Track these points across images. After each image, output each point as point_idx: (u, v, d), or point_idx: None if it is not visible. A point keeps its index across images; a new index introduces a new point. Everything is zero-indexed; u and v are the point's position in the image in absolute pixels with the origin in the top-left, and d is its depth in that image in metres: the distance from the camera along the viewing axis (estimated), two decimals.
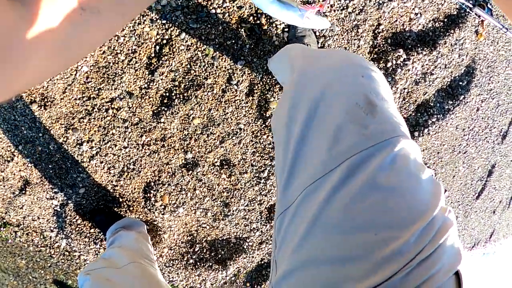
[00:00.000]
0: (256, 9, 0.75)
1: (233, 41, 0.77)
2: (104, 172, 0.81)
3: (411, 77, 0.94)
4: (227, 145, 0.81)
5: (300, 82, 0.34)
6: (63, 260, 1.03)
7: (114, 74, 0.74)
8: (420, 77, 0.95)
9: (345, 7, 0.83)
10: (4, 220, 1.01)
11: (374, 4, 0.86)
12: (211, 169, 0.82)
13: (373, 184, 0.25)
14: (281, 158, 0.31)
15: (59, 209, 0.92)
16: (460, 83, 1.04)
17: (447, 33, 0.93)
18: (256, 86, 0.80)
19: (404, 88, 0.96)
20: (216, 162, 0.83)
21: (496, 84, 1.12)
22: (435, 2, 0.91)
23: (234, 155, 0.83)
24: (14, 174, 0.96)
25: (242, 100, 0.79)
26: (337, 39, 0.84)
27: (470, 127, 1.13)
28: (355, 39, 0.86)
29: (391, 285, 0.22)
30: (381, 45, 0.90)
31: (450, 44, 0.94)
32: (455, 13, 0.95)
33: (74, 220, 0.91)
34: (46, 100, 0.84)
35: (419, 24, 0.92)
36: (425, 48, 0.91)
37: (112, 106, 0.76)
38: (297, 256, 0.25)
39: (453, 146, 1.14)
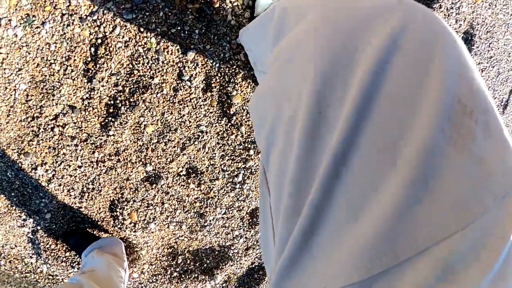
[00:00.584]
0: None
1: (179, 28, 0.67)
2: (64, 195, 0.78)
3: None
4: (190, 152, 0.76)
5: (327, 34, 0.17)
6: (49, 284, 1.05)
7: (52, 87, 0.69)
8: None
9: None
10: None
11: None
12: (176, 180, 0.77)
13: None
14: (284, 200, 0.16)
15: (31, 236, 0.92)
16: None
17: None
18: (214, 79, 0.71)
19: None
20: (181, 171, 0.77)
21: (496, 51, 1.00)
22: None
23: (200, 161, 0.77)
24: None
25: (199, 97, 0.70)
26: None
27: None
28: None
29: None
30: None
31: (446, 8, 0.83)
32: None
33: (48, 246, 0.90)
34: None
35: None
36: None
37: (57, 123, 0.72)
38: None
39: None
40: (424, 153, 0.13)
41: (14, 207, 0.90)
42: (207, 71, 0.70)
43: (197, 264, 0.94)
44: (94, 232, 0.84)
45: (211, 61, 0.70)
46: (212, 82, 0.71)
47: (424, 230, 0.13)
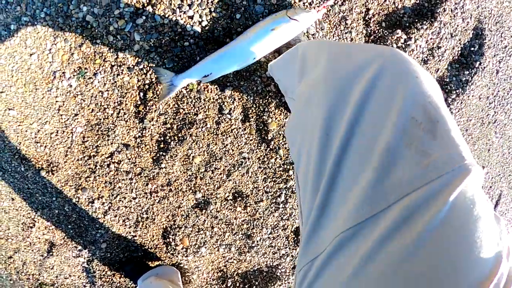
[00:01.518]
0: (231, 29, 0.79)
1: None
2: (120, 225, 0.93)
3: (417, 57, 0.91)
4: (235, 177, 0.87)
5: (331, 81, 0.29)
6: None
7: (107, 129, 0.84)
8: (427, 54, 0.92)
9: (332, 2, 0.83)
10: (39, 281, 1.21)
11: None
12: (224, 204, 0.89)
13: (429, 239, 0.21)
14: (308, 188, 0.27)
15: (86, 265, 1.09)
16: (472, 48, 0.97)
17: None
18: (250, 110, 0.83)
19: None
20: (228, 196, 0.89)
21: (509, 40, 1.03)
22: None
23: (245, 185, 0.89)
24: (39, 238, 1.15)
25: (239, 127, 0.83)
26: (329, 37, 0.84)
27: (494, 93, 1.07)
28: (346, 33, 0.85)
29: None
30: (376, 31, 0.87)
31: (450, 10, 0.89)
32: None
33: (104, 273, 1.06)
34: (52, 165, 0.98)
35: None
36: (425, 22, 0.88)
37: (113, 160, 0.86)
38: None
39: (481, 119, 1.08)
40: (387, 151, 0.23)
41: (70, 239, 1.07)
42: (243, 104, 0.82)
43: (246, 287, 1.06)
44: (148, 259, 0.99)
45: (246, 95, 0.82)
46: (249, 113, 0.83)
47: (389, 194, 0.23)
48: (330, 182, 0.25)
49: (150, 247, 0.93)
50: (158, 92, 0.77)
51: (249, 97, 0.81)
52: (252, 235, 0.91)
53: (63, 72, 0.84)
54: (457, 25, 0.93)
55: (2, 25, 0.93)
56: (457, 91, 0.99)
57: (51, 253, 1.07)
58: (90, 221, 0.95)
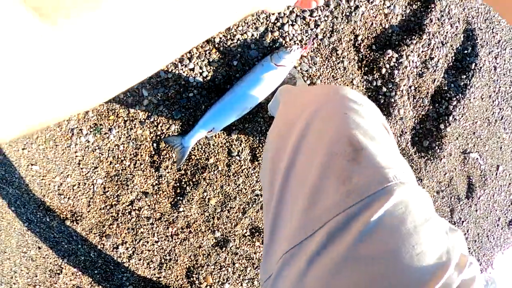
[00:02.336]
0: (231, 75, 0.91)
1: None
2: (145, 268, 1.06)
3: (412, 72, 0.98)
4: (251, 214, 0.97)
5: (276, 136, 0.37)
6: None
7: (126, 179, 0.98)
8: (422, 67, 0.99)
9: (314, 36, 0.91)
10: None
11: (342, 19, 0.91)
12: (243, 240, 1.00)
13: (354, 254, 0.25)
14: (264, 220, 0.35)
15: None
16: (465, 51, 1.03)
17: (429, 9, 0.96)
18: (257, 150, 0.92)
19: (410, 86, 0.99)
20: (245, 233, 0.99)
21: (501, 33, 1.07)
22: None
23: (261, 220, 0.99)
24: (67, 284, 1.30)
25: (249, 167, 0.92)
26: (322, 70, 0.94)
27: (495, 91, 1.11)
28: (338, 63, 0.93)
29: None
30: (368, 55, 0.95)
31: (437, 18, 0.96)
32: None
33: None
34: (76, 215, 1.13)
35: (397, 15, 0.95)
36: (414, 36, 0.95)
37: (133, 208, 1.00)
38: None
39: (487, 119, 1.13)
40: (314, 187, 0.30)
41: (97, 283, 1.21)
42: (250, 145, 0.92)
43: None
44: None
45: (252, 136, 0.91)
46: (256, 152, 0.92)
47: (316, 221, 0.28)
48: (274, 216, 0.33)
49: (175, 287, 1.06)
50: (174, 159, 0.89)
51: (254, 137, 0.92)
52: None
53: (80, 129, 0.98)
54: (447, 32, 0.99)
55: None
56: (457, 97, 1.04)
57: None
58: (115, 266, 1.08)
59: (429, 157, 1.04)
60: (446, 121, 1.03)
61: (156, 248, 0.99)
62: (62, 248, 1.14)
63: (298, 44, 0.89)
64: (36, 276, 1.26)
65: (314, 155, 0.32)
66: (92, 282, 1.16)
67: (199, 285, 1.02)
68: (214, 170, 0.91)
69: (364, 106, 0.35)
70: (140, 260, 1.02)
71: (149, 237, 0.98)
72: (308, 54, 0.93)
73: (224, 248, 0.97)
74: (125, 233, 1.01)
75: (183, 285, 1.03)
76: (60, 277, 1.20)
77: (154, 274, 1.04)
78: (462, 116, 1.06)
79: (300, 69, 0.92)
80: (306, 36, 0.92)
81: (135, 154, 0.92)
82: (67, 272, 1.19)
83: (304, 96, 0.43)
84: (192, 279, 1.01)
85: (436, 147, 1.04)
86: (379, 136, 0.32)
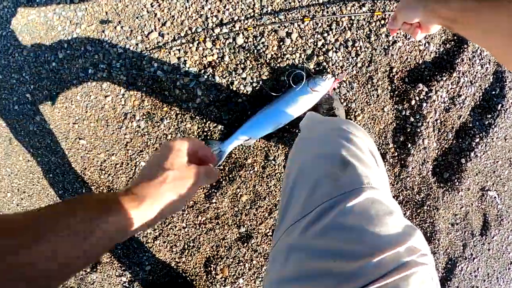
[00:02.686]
0: (277, 89, 1.05)
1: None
2: (167, 251, 1.18)
3: (439, 107, 1.07)
4: (276, 215, 1.10)
5: (296, 148, 0.58)
6: None
7: None
8: (449, 103, 1.08)
9: (354, 64, 1.03)
10: None
11: (380, 51, 1.03)
12: (264, 239, 1.11)
13: (335, 224, 0.41)
14: (281, 202, 0.53)
15: (127, 285, 1.34)
16: (493, 92, 1.10)
17: (461, 50, 1.05)
18: None
19: (436, 120, 1.08)
20: (268, 232, 1.09)
21: None
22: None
23: (275, 228, 1.11)
24: None
25: (281, 172, 1.02)
26: (358, 95, 1.05)
27: None
28: (372, 90, 1.04)
29: None
30: (400, 87, 1.05)
31: (468, 59, 1.06)
32: None
33: None
34: (112, 191, 1.27)
35: (431, 52, 1.06)
36: (444, 73, 1.05)
37: None
38: (277, 276, 0.42)
39: (508, 159, 1.19)
40: (315, 182, 0.46)
41: (117, 259, 1.33)
42: (286, 152, 1.02)
43: None
44: (186, 287, 1.22)
45: (289, 145, 1.02)
46: None
47: (312, 204, 0.44)
48: (286, 203, 0.50)
49: (191, 274, 1.17)
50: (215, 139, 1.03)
51: (290, 146, 1.05)
52: None
53: (133, 115, 1.13)
54: (476, 72, 1.09)
55: (80, 68, 1.26)
56: (481, 134, 1.12)
57: (95, 270, 1.33)
58: (139, 245, 1.21)
59: (448, 188, 1.13)
60: (468, 157, 1.12)
61: (183, 233, 1.11)
62: None
63: (332, 73, 1.03)
64: None
65: (317, 165, 0.49)
66: (112, 257, 1.28)
67: (214, 276, 1.13)
68: (250, 170, 1.04)
69: (356, 137, 0.53)
70: (164, 242, 1.14)
71: (178, 222, 1.10)
72: (347, 79, 1.06)
73: (246, 244, 1.09)
74: None
75: (199, 273, 1.14)
76: None
77: (174, 259, 1.15)
78: (483, 154, 1.14)
79: (339, 91, 1.05)
80: (347, 63, 1.05)
81: None
82: None
83: (319, 126, 0.65)
84: (209, 268, 1.12)
85: (456, 180, 1.13)
86: (363, 158, 0.50)
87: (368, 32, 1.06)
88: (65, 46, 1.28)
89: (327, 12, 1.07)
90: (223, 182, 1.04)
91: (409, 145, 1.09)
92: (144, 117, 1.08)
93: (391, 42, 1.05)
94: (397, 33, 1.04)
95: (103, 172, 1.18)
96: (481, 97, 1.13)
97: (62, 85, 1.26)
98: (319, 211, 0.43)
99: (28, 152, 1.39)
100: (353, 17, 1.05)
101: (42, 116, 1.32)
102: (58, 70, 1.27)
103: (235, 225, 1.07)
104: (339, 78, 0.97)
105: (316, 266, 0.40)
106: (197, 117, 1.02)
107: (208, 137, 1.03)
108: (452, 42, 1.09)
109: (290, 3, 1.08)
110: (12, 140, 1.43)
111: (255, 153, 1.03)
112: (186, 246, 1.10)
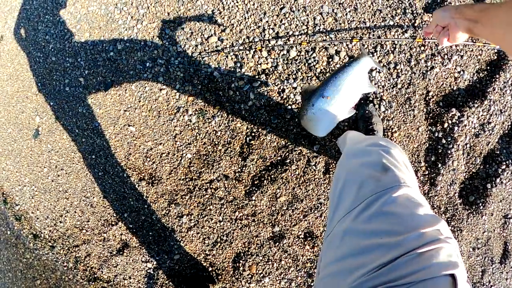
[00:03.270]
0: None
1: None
2: (199, 242, 1.23)
3: (469, 132, 1.14)
4: (310, 219, 1.15)
5: (343, 160, 0.72)
6: None
7: (213, 160, 1.19)
8: (479, 129, 1.14)
9: (395, 85, 1.12)
10: (96, 275, 1.52)
11: (419, 75, 1.12)
12: (295, 240, 1.16)
13: (380, 212, 0.52)
14: (331, 201, 0.64)
15: (152, 272, 1.38)
16: None
17: (493, 79, 1.13)
18: (331, 165, 1.10)
19: (466, 144, 1.15)
20: (300, 234, 1.16)
21: None
22: (473, 54, 1.13)
23: (317, 227, 1.16)
24: (115, 236, 1.48)
25: (320, 178, 1.10)
26: (396, 114, 1.14)
27: None
28: (410, 110, 1.12)
29: (397, 264, 0.44)
30: (434, 110, 1.14)
31: (499, 88, 1.13)
32: (495, 57, 1.15)
33: (166, 282, 1.35)
34: (154, 178, 1.33)
35: (465, 80, 1.14)
36: (476, 101, 1.12)
37: (211, 186, 1.19)
38: (334, 256, 0.53)
39: None
40: (360, 183, 0.60)
41: (146, 244, 1.38)
42: (326, 160, 1.11)
43: None
44: (211, 281, 1.26)
45: (329, 153, 1.10)
46: (329, 167, 1.11)
47: (361, 198, 0.57)
48: (337, 200, 0.61)
49: (218, 268, 1.21)
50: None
51: (331, 155, 1.12)
52: (313, 274, 1.16)
53: (186, 109, 1.22)
54: (507, 102, 1.15)
55: (138, 61, 1.35)
56: (507, 162, 1.17)
57: (121, 253, 1.38)
58: (171, 233, 1.26)
59: (472, 211, 1.18)
60: (493, 182, 1.17)
61: (218, 227, 1.17)
62: (127, 203, 1.34)
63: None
64: (88, 221, 1.44)
65: (362, 171, 0.62)
66: (142, 242, 1.33)
67: (242, 272, 1.17)
68: (291, 173, 1.11)
69: (391, 149, 0.68)
70: (198, 233, 1.20)
71: (214, 216, 1.16)
72: (387, 98, 1.14)
73: (277, 243, 1.14)
74: (194, 206, 1.20)
75: (226, 268, 1.19)
76: (112, 229, 1.38)
77: (205, 251, 1.20)
78: (509, 181, 1.19)
79: (379, 108, 1.13)
80: (388, 84, 1.13)
81: (228, 142, 1.14)
82: (121, 226, 1.36)
83: (362, 142, 0.78)
84: (238, 264, 1.17)
85: (480, 204, 1.18)
86: (399, 166, 0.63)
87: (409, 57, 1.15)
88: (125, 39, 1.37)
89: (373, 35, 1.17)
90: (265, 181, 1.10)
91: (439, 165, 1.16)
92: (197, 112, 1.16)
93: (429, 68, 1.14)
94: (430, 41, 1.11)
95: (148, 159, 1.26)
96: (509, 126, 1.20)
97: (118, 74, 1.35)
98: (367, 202, 0.54)
99: (72, 133, 1.47)
100: (396, 42, 1.14)
101: (94, 100, 1.41)
102: (115, 60, 1.37)
103: (270, 224, 1.12)
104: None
105: (366, 243, 0.50)
106: (247, 118, 1.10)
107: (255, 139, 1.10)
108: (485, 72, 1.17)
109: (340, 24, 1.18)
110: (58, 119, 1.52)
111: (298, 158, 1.10)
112: (219, 240, 1.16)
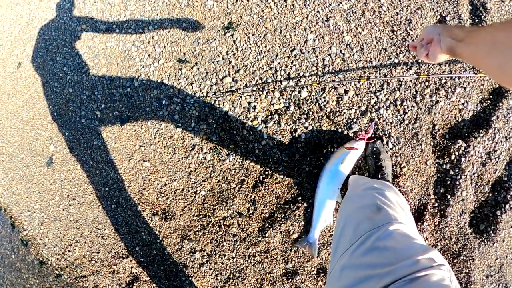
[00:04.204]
0: (334, 139, 1.19)
1: (319, 169, 1.20)
2: (211, 278, 1.24)
3: (476, 161, 1.17)
4: (323, 254, 1.17)
5: (343, 205, 0.78)
6: None
7: (227, 198, 1.22)
8: (485, 158, 1.17)
9: (402, 121, 1.17)
10: None
11: (425, 110, 1.18)
12: (308, 277, 1.17)
13: (374, 247, 0.57)
14: (332, 243, 0.71)
15: None
16: None
17: (497, 107, 1.17)
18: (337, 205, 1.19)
19: (473, 174, 1.18)
20: (313, 270, 1.18)
21: None
22: (476, 85, 1.18)
23: (329, 263, 1.18)
24: (126, 269, 1.48)
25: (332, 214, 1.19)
26: (404, 149, 1.18)
27: None
28: (417, 145, 1.17)
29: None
30: (441, 142, 1.18)
31: (503, 115, 1.17)
32: (497, 85, 1.19)
33: None
34: (167, 214, 1.36)
35: (469, 111, 1.19)
36: (481, 130, 1.16)
37: (224, 223, 1.22)
38: None
39: None
40: (357, 223, 0.68)
41: (157, 279, 1.38)
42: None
43: None
44: None
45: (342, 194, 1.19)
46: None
47: (357, 236, 0.65)
48: (338, 239, 0.67)
49: None
50: (308, 255, 1.13)
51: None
52: None
53: (201, 147, 1.26)
54: (511, 128, 1.19)
55: (155, 98, 1.41)
56: None
57: (130, 286, 1.38)
58: (183, 268, 1.27)
59: (483, 239, 1.20)
60: (503, 209, 1.19)
61: (231, 263, 1.18)
62: (140, 237, 1.35)
63: (362, 131, 1.15)
64: (98, 252, 1.44)
65: (359, 213, 0.69)
66: (152, 276, 1.33)
67: None
68: (304, 210, 1.14)
69: (386, 191, 0.74)
70: (210, 269, 1.21)
71: (228, 252, 1.18)
72: (395, 135, 1.19)
73: (290, 280, 1.15)
74: (207, 242, 1.21)
75: None
76: (123, 261, 1.38)
77: (217, 287, 1.21)
78: None
79: (387, 145, 1.18)
80: (395, 120, 1.18)
81: (242, 180, 1.17)
82: (132, 259, 1.37)
83: (360, 187, 0.84)
84: None
85: (491, 232, 1.18)
86: (392, 205, 0.69)
87: (414, 93, 1.21)
88: (142, 76, 1.44)
89: (379, 74, 1.24)
90: (278, 218, 1.13)
91: (449, 197, 1.19)
92: (211, 150, 1.20)
93: (434, 102, 1.19)
94: (433, 76, 1.16)
95: (162, 195, 1.29)
96: None
97: (134, 110, 1.41)
98: (362, 240, 0.61)
99: (86, 164, 1.50)
100: (401, 79, 1.21)
101: (109, 134, 1.45)
102: (132, 96, 1.43)
103: (283, 261, 1.14)
104: (370, 131, 1.10)
105: (361, 274, 0.55)
106: (261, 157, 1.14)
107: (269, 175, 1.14)
108: (488, 101, 1.23)
109: (348, 64, 1.25)
110: (72, 150, 1.55)
111: (307, 196, 1.13)
112: (231, 276, 1.17)
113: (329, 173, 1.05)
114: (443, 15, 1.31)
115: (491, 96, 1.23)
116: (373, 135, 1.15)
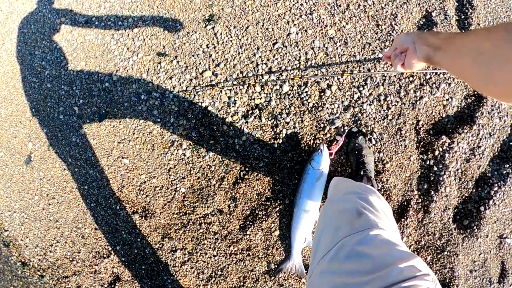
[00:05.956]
0: (316, 137, 1.15)
1: (301, 166, 1.16)
2: (193, 277, 1.20)
3: (460, 157, 1.15)
4: (305, 252, 1.15)
5: (324, 209, 0.76)
6: None
7: (207, 195, 1.17)
8: (469, 154, 1.16)
9: (385, 116, 1.14)
10: None
11: (409, 105, 1.15)
12: (291, 274, 1.15)
13: (353, 253, 0.55)
14: (312, 247, 0.69)
15: None
16: (511, 143, 1.18)
17: (481, 104, 1.15)
18: (324, 199, 1.16)
19: (457, 169, 1.16)
20: None
21: None
22: (460, 81, 1.16)
23: (307, 258, 1.16)
24: (107, 269, 1.42)
25: None
26: (387, 145, 1.15)
27: None
28: (401, 141, 1.14)
29: None
30: (425, 138, 1.15)
31: (487, 112, 1.15)
32: None
33: None
34: (147, 212, 1.30)
35: (453, 106, 1.16)
36: (465, 126, 1.14)
37: (205, 221, 1.17)
38: None
39: None
40: (336, 228, 0.65)
41: (139, 278, 1.33)
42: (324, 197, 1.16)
43: None
44: None
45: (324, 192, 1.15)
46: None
47: (335, 241, 0.62)
48: (316, 244, 0.66)
49: None
50: (295, 275, 1.09)
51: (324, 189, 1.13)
52: None
53: (180, 143, 1.21)
54: (495, 125, 1.17)
55: (134, 93, 1.35)
56: (499, 183, 1.19)
57: (112, 286, 1.33)
58: (165, 267, 1.22)
59: (467, 235, 1.19)
60: (487, 204, 1.18)
61: (212, 261, 1.14)
62: (120, 236, 1.30)
63: (326, 143, 1.11)
64: (79, 252, 1.39)
65: (339, 217, 0.66)
66: (134, 275, 1.28)
67: None
68: (284, 207, 1.10)
69: (368, 196, 0.71)
70: (192, 268, 1.17)
71: (209, 250, 1.14)
72: (378, 130, 1.16)
73: (273, 278, 1.12)
74: (188, 241, 1.17)
75: None
76: (104, 261, 1.33)
77: (199, 286, 1.17)
78: (502, 202, 1.20)
79: (371, 140, 1.14)
80: (379, 115, 1.15)
81: (222, 177, 1.13)
82: (113, 259, 1.32)
83: (342, 190, 0.83)
84: None
85: (475, 227, 1.17)
86: (373, 211, 0.67)
87: (398, 88, 1.18)
88: (120, 70, 1.37)
89: (363, 68, 1.20)
90: (260, 213, 1.09)
91: (432, 193, 1.17)
92: (191, 147, 1.15)
93: (418, 98, 1.16)
94: (419, 72, 1.14)
95: (141, 192, 1.23)
96: (499, 148, 1.23)
97: (113, 105, 1.34)
98: (340, 245, 0.59)
99: (65, 162, 1.43)
100: (385, 74, 1.17)
101: (87, 130, 1.38)
102: (111, 91, 1.36)
103: (265, 258, 1.10)
104: (338, 143, 1.07)
105: (339, 281, 0.54)
106: (241, 153, 1.09)
107: (250, 172, 1.10)
108: (473, 97, 1.21)
109: (331, 58, 1.20)
110: (51, 147, 1.48)
111: (288, 193, 1.09)
112: (213, 274, 1.13)
113: (303, 196, 1.03)
114: (429, 10, 1.27)
115: (475, 92, 1.21)
116: (341, 148, 1.11)
